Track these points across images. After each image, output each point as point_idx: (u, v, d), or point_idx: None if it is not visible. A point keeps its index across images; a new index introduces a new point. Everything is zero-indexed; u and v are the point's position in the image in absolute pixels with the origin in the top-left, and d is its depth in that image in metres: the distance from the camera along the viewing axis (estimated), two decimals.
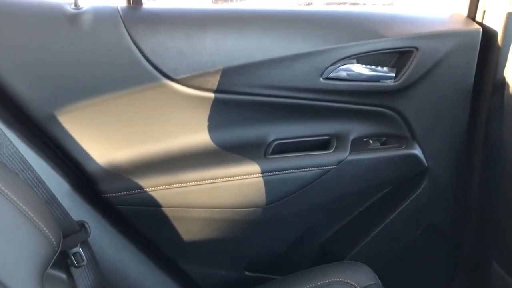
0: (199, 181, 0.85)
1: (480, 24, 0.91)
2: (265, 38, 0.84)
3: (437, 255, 1.09)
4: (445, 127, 0.95)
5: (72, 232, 0.78)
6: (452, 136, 0.96)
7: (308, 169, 0.88)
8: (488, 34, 0.89)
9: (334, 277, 0.82)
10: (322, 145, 0.92)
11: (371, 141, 0.94)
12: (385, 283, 0.84)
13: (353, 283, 0.81)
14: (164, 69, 0.81)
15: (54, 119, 0.80)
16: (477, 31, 0.89)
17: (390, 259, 1.05)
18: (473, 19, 0.93)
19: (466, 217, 1.05)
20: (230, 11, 0.88)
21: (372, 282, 0.82)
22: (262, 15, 0.87)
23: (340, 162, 0.89)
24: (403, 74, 0.88)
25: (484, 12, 0.91)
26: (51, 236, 0.64)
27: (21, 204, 0.60)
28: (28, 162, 0.72)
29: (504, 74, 0.84)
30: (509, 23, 0.85)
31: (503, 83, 0.84)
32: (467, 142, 0.97)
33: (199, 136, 0.88)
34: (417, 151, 0.94)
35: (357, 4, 1.36)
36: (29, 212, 0.61)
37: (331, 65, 0.86)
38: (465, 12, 0.95)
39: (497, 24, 0.87)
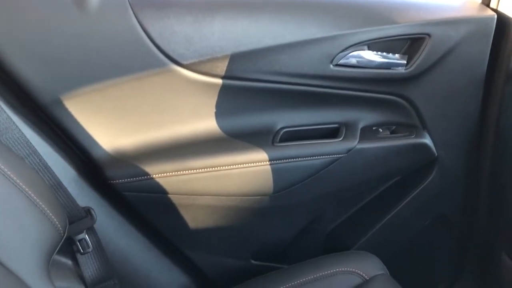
0: (206, 168, 0.84)
1: (495, 10, 0.89)
2: (275, 23, 0.82)
3: (446, 245, 1.09)
4: (456, 116, 0.94)
5: (78, 218, 0.77)
6: (463, 125, 0.95)
7: (316, 157, 0.87)
8: (503, 21, 0.87)
9: (341, 266, 0.82)
10: (331, 133, 0.91)
11: (381, 130, 0.93)
12: (393, 273, 0.83)
13: (361, 272, 0.80)
14: (172, 54, 0.80)
15: (60, 104, 0.79)
16: (491, 18, 0.87)
17: (399, 249, 1.05)
18: (488, 5, 0.91)
19: (476, 208, 1.04)
20: None
21: (380, 272, 0.81)
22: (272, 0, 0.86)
23: (349, 150, 0.88)
24: (415, 62, 0.87)
25: None
26: (57, 222, 0.63)
27: (26, 189, 0.60)
28: (34, 147, 0.72)
29: None
30: None
31: None
32: (478, 132, 0.96)
33: (206, 123, 0.87)
34: (427, 140, 0.93)
35: None
36: (34, 198, 0.60)
37: (342, 51, 0.84)
38: None
39: None
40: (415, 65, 0.87)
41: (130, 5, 0.78)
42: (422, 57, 0.86)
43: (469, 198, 1.03)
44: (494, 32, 0.87)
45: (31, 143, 0.72)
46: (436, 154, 0.94)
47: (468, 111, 0.94)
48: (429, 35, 0.85)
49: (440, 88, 0.91)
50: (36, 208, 0.61)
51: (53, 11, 0.76)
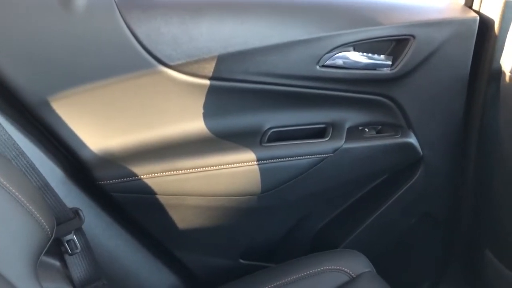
0: (195, 168, 0.84)
1: (477, 12, 0.91)
2: (262, 24, 0.83)
3: (431, 243, 1.10)
4: (440, 115, 0.95)
5: (66, 219, 0.77)
6: (448, 124, 0.96)
7: (303, 157, 0.88)
8: (485, 23, 0.88)
9: (328, 264, 0.83)
10: (318, 133, 0.92)
11: (367, 130, 0.94)
12: (379, 271, 0.84)
13: (348, 270, 0.81)
14: (159, 55, 0.80)
15: (47, 105, 0.79)
16: (474, 19, 0.88)
17: (385, 247, 1.06)
18: (470, 7, 0.93)
19: (460, 206, 1.05)
20: None
21: (367, 270, 0.82)
22: (259, 1, 0.86)
23: (335, 150, 0.89)
24: (400, 62, 0.88)
25: (482, 0, 0.90)
26: (44, 223, 0.63)
27: (14, 191, 0.60)
28: (21, 148, 0.71)
29: (501, 62, 0.84)
30: (506, 12, 0.85)
31: (499, 72, 0.84)
32: (463, 131, 0.98)
33: (194, 124, 0.87)
34: (413, 140, 0.94)
35: None
36: (22, 199, 0.60)
37: (328, 52, 0.85)
38: (462, 0, 0.94)
39: (494, 13, 0.87)
40: (400, 65, 0.88)
41: (117, 6, 0.78)
42: (406, 58, 0.88)
43: (454, 196, 1.04)
44: (477, 34, 0.89)
45: (18, 144, 0.71)
46: (422, 153, 0.96)
47: (452, 110, 0.95)
48: (413, 36, 0.86)
49: (424, 88, 0.92)
50: (24, 210, 0.60)
51: (40, 13, 0.75)
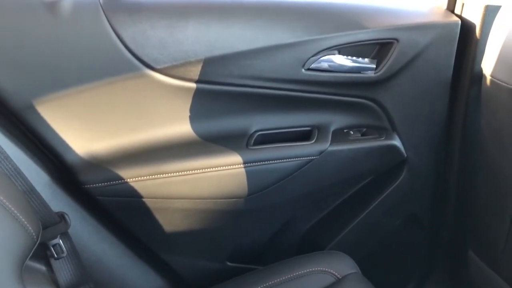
0: (181, 172, 0.85)
1: (459, 16, 0.92)
2: (248, 28, 0.84)
3: (416, 244, 1.11)
4: (424, 118, 0.96)
5: (51, 223, 0.77)
6: (431, 127, 0.98)
7: (289, 159, 0.89)
8: (466, 27, 0.90)
9: (314, 266, 0.83)
10: (304, 136, 0.93)
11: (352, 132, 0.95)
12: (365, 272, 0.85)
13: (333, 272, 0.82)
14: (145, 59, 0.80)
15: (32, 109, 0.79)
16: (456, 24, 0.90)
17: (371, 248, 1.07)
18: (452, 11, 0.95)
19: (444, 207, 1.07)
20: (213, 1, 0.87)
21: (352, 271, 0.83)
22: (245, 5, 0.87)
23: (321, 152, 0.90)
24: (384, 66, 0.89)
25: (463, 4, 0.92)
26: (30, 227, 0.63)
27: None
28: (6, 152, 0.71)
29: (482, 66, 0.86)
30: (487, 16, 0.86)
31: (480, 75, 0.86)
32: (446, 133, 0.99)
33: (180, 127, 0.88)
34: (397, 142, 0.95)
35: None
36: (6, 203, 0.60)
37: (313, 56, 0.86)
38: (444, 4, 0.96)
39: (475, 17, 0.89)
40: (384, 69, 0.90)
41: (103, 9, 0.78)
42: (390, 61, 0.89)
43: (438, 197, 1.06)
44: (459, 37, 0.90)
45: (3, 148, 0.71)
46: (406, 155, 0.97)
47: (435, 113, 0.96)
48: (397, 40, 0.88)
49: (408, 91, 0.94)
50: (8, 214, 0.60)
51: (26, 16, 0.75)
